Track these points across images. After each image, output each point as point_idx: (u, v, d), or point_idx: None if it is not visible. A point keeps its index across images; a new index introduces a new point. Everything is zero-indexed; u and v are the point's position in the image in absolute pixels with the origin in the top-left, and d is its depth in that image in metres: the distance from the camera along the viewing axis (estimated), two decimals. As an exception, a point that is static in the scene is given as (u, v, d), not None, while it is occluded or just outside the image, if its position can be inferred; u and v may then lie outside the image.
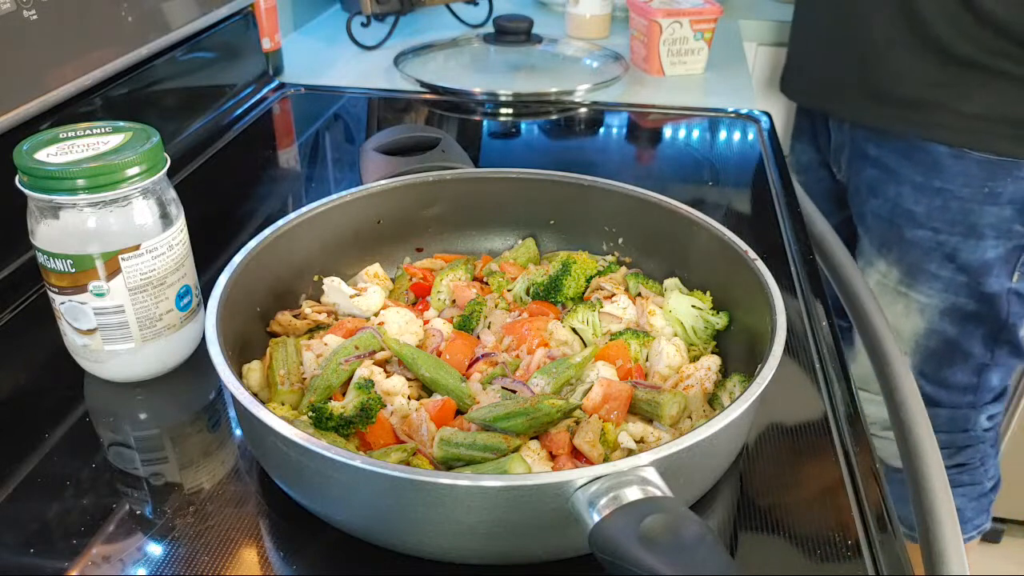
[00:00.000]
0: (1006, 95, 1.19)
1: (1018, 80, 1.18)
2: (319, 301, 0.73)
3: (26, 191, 0.59)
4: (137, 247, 0.62)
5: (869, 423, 0.67)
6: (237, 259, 0.64)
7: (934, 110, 1.24)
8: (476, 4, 1.70)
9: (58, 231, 0.60)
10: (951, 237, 1.28)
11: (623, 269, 0.77)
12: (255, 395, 0.55)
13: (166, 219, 0.64)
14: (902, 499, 0.88)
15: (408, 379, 0.63)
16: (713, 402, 0.63)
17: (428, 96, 1.35)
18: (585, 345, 0.68)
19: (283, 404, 0.61)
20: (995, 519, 1.98)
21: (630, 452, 0.57)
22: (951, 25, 1.18)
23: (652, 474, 0.46)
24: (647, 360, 0.67)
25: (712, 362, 0.64)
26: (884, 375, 1.00)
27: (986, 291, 1.30)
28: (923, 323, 1.37)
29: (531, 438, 0.57)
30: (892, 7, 1.23)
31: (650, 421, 0.60)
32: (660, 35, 1.41)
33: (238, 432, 0.64)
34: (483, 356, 0.66)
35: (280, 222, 0.70)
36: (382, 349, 0.64)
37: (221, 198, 1.02)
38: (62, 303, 0.63)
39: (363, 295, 0.71)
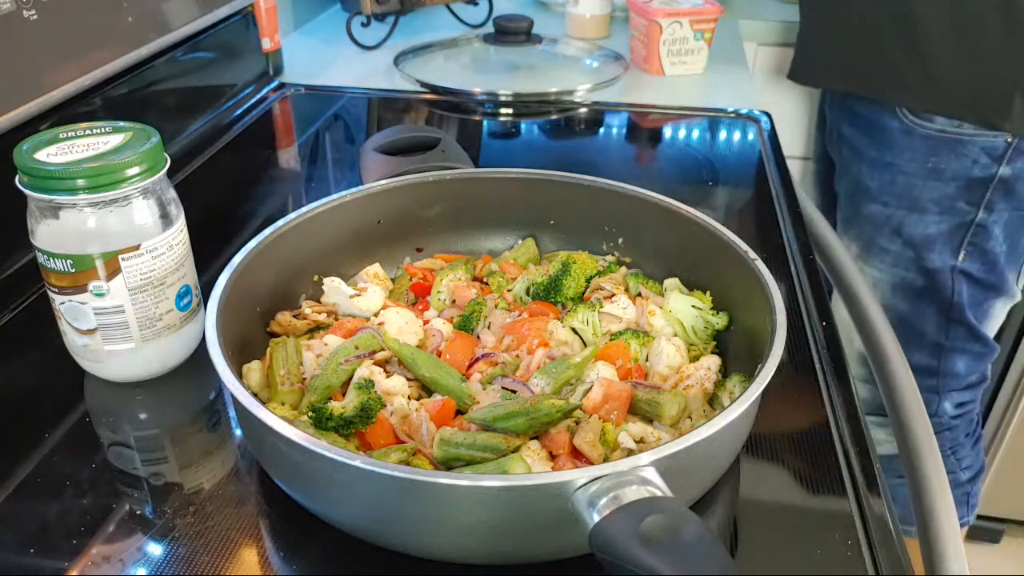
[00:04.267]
0: (956, 62, 1.23)
1: (969, 47, 1.22)
2: (319, 301, 0.73)
3: (26, 191, 0.59)
4: (137, 247, 0.62)
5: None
6: (237, 259, 0.64)
7: (887, 73, 1.29)
8: (476, 4, 1.70)
9: (58, 231, 0.60)
10: (897, 211, 1.34)
11: (623, 269, 0.77)
12: (255, 395, 0.55)
13: (166, 219, 0.64)
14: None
15: (408, 379, 0.63)
16: (713, 402, 0.63)
17: (428, 96, 1.35)
18: (585, 345, 0.68)
19: (283, 404, 0.61)
20: (995, 519, 1.98)
21: (630, 452, 0.57)
22: None
23: (652, 474, 0.46)
24: (647, 360, 0.67)
25: (712, 362, 0.64)
26: (883, 375, 1.00)
27: (929, 267, 1.35)
28: (877, 297, 1.39)
29: (531, 438, 0.57)
30: None
31: (650, 421, 0.60)
32: (660, 35, 1.41)
33: (238, 432, 0.64)
34: (483, 356, 0.66)
35: (280, 222, 0.69)
36: (382, 349, 0.64)
37: (221, 198, 1.02)
38: (62, 303, 0.63)
39: (363, 295, 0.71)
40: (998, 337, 1.48)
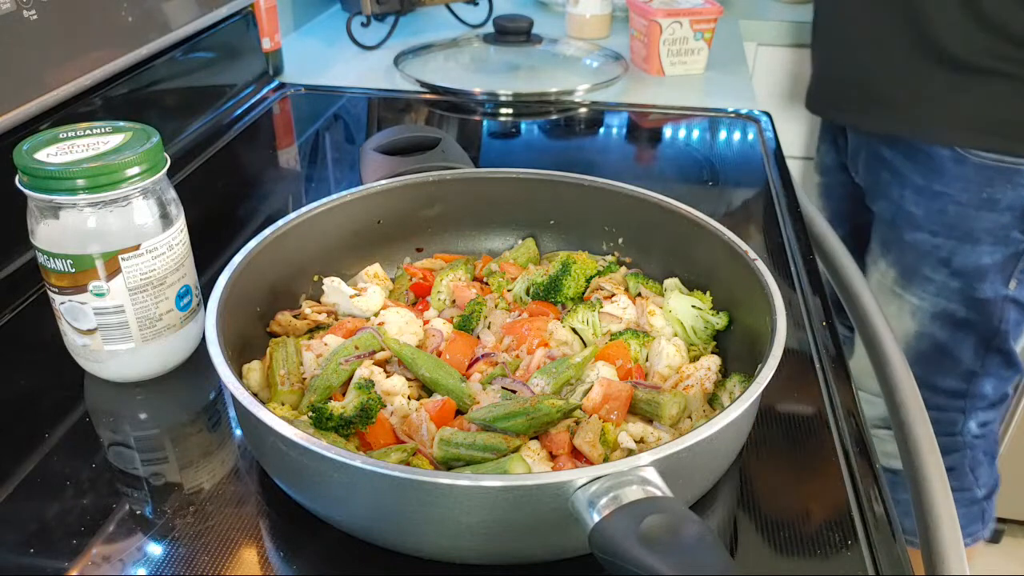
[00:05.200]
0: (1004, 97, 1.20)
1: (1017, 82, 1.18)
2: (319, 301, 0.73)
3: (26, 191, 0.59)
4: (137, 247, 0.62)
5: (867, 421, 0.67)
6: (237, 259, 0.64)
7: (932, 111, 1.25)
8: (476, 4, 1.70)
9: (58, 231, 0.60)
10: (947, 241, 1.29)
11: (623, 269, 0.77)
12: (255, 395, 0.55)
13: (166, 219, 0.64)
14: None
15: (408, 379, 0.63)
16: (713, 402, 0.63)
17: (428, 96, 1.35)
18: (585, 345, 0.68)
19: (283, 404, 0.61)
20: (996, 519, 1.97)
21: (630, 452, 0.57)
22: (952, 28, 1.19)
23: (652, 474, 0.46)
24: (647, 360, 0.67)
25: (712, 362, 0.64)
26: (884, 376, 1.00)
27: (979, 297, 1.31)
28: (914, 325, 1.38)
29: (531, 438, 0.57)
30: (895, 11, 1.24)
31: (650, 421, 0.60)
32: (660, 35, 1.41)
33: (238, 432, 0.64)
34: (483, 356, 0.66)
35: (280, 222, 0.70)
36: (382, 349, 0.64)
37: (221, 198, 1.02)
38: (62, 303, 0.63)
39: (363, 295, 0.71)
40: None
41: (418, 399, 0.62)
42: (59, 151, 0.60)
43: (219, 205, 1.00)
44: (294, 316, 0.69)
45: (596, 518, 0.44)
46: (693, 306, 0.69)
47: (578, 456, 0.56)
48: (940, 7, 1.19)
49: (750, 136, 1.23)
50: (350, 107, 1.32)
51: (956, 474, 1.47)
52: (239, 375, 0.59)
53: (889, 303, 1.38)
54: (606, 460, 0.55)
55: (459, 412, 0.60)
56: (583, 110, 1.33)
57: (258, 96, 1.30)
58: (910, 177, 1.31)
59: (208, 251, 0.76)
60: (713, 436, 0.49)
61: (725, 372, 0.66)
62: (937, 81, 1.23)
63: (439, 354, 0.66)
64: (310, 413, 0.57)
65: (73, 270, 0.61)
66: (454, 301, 0.74)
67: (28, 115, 0.80)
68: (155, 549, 0.54)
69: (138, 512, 0.56)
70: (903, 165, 1.32)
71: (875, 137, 1.38)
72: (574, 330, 0.69)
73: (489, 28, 1.57)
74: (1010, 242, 1.27)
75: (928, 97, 1.25)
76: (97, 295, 0.62)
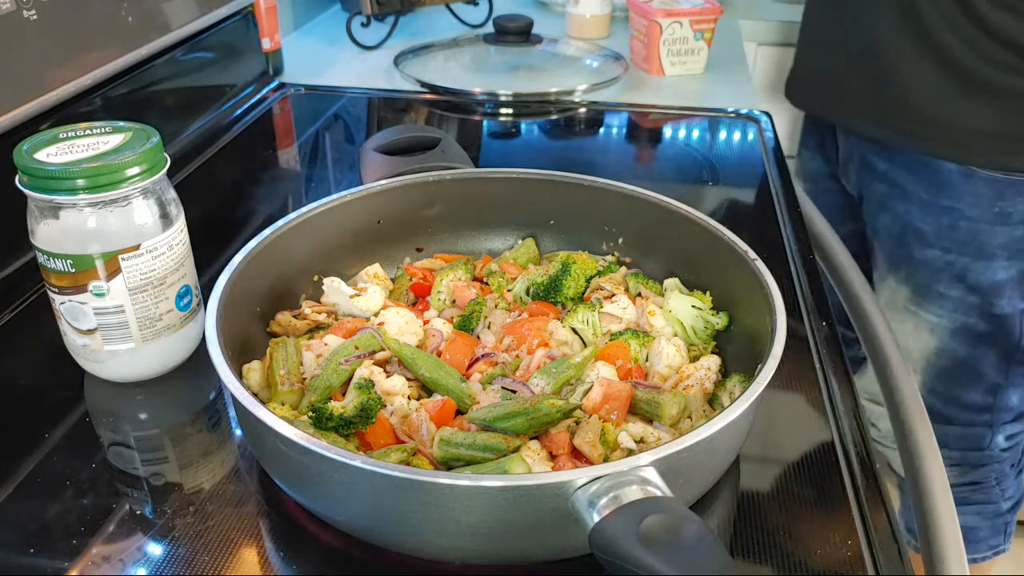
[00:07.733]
0: (1014, 111, 1.16)
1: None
2: (319, 301, 0.73)
3: (26, 191, 0.59)
4: (137, 247, 0.62)
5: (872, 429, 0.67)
6: (237, 259, 0.64)
7: (941, 127, 1.21)
8: (476, 4, 1.70)
9: (58, 231, 0.60)
10: (960, 257, 1.25)
11: (623, 269, 0.77)
12: (255, 395, 0.55)
13: (166, 219, 0.64)
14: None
15: (408, 379, 0.63)
16: (713, 402, 0.63)
17: (428, 96, 1.35)
18: (585, 345, 0.68)
19: (283, 404, 0.61)
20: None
21: (630, 452, 0.57)
22: (957, 37, 1.15)
23: (652, 474, 0.46)
24: (647, 360, 0.67)
25: (712, 362, 0.64)
26: (885, 377, 1.00)
27: (997, 312, 1.27)
28: (934, 342, 1.34)
29: (531, 438, 0.57)
30: (898, 18, 1.20)
31: (650, 421, 0.60)
32: (660, 35, 1.41)
33: (238, 432, 0.64)
34: (483, 356, 0.66)
35: (280, 222, 0.70)
36: (382, 349, 0.64)
37: (221, 198, 1.02)
38: (62, 303, 0.63)
39: (363, 295, 0.71)
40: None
41: (418, 399, 0.62)
42: (59, 151, 0.60)
43: (219, 205, 1.00)
44: (294, 316, 0.69)
45: (596, 518, 0.44)
46: (693, 306, 0.69)
47: (578, 456, 0.56)
48: (941, 13, 1.16)
49: (750, 136, 1.23)
50: (350, 107, 1.32)
51: (983, 488, 1.44)
52: (239, 375, 0.59)
53: (904, 320, 1.35)
54: (606, 460, 0.55)
55: (459, 412, 0.60)
56: (583, 110, 1.32)
57: (258, 96, 1.30)
58: (913, 191, 1.27)
59: (208, 251, 0.76)
60: (713, 436, 0.49)
61: (725, 372, 0.66)
62: (944, 94, 1.19)
63: (439, 354, 0.66)
64: (310, 413, 0.57)
65: (73, 270, 0.61)
66: (454, 301, 0.74)
67: (28, 115, 0.80)
68: (155, 549, 0.54)
69: (138, 512, 0.56)
70: (904, 179, 1.28)
71: (867, 143, 1.34)
72: (574, 330, 0.69)
73: (489, 28, 1.57)
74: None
75: (939, 113, 1.20)
76: (97, 295, 0.62)
